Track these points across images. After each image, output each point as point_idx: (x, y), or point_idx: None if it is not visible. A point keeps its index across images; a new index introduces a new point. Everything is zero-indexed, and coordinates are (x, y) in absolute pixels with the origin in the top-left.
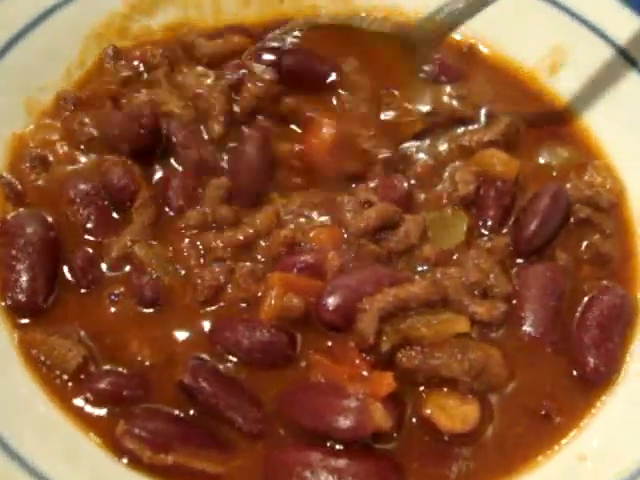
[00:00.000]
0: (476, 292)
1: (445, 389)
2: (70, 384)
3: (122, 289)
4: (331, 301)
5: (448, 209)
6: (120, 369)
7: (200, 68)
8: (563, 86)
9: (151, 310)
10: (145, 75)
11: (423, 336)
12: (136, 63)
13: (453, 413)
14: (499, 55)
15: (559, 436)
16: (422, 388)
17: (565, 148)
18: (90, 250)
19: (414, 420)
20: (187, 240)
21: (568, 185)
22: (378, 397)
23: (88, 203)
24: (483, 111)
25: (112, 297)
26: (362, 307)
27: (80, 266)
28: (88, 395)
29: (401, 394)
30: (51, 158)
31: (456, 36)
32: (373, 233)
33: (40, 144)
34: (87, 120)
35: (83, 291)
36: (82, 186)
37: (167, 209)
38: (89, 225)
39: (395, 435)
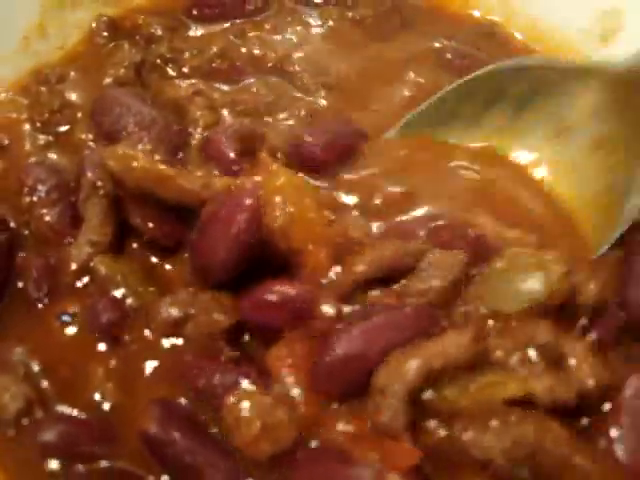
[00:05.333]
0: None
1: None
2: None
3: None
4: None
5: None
6: (76, 412)
7: None
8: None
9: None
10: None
11: (459, 408)
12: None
13: None
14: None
15: None
16: None
17: None
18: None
19: None
20: None
21: None
22: (397, 468)
23: (54, 200)
24: None
25: (64, 317)
26: (379, 385)
27: (35, 278)
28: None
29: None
30: (7, 142)
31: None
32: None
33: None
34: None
35: (39, 306)
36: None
37: None
38: (54, 226)
39: None
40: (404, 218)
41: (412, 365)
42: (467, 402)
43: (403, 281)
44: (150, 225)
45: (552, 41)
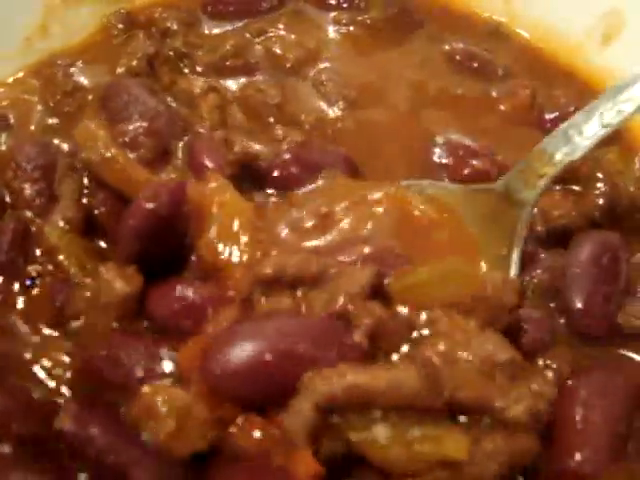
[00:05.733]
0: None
1: None
2: None
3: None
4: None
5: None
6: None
7: None
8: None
9: None
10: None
11: (382, 458)
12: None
13: None
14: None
15: None
16: None
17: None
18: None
19: None
20: None
21: None
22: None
23: (36, 178)
24: None
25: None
26: (302, 384)
27: (9, 241)
28: None
29: None
30: (12, 120)
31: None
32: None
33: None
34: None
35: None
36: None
37: None
38: (30, 201)
39: None
40: (335, 243)
41: (338, 379)
42: (395, 456)
43: (305, 289)
44: (102, 209)
45: (555, 42)
